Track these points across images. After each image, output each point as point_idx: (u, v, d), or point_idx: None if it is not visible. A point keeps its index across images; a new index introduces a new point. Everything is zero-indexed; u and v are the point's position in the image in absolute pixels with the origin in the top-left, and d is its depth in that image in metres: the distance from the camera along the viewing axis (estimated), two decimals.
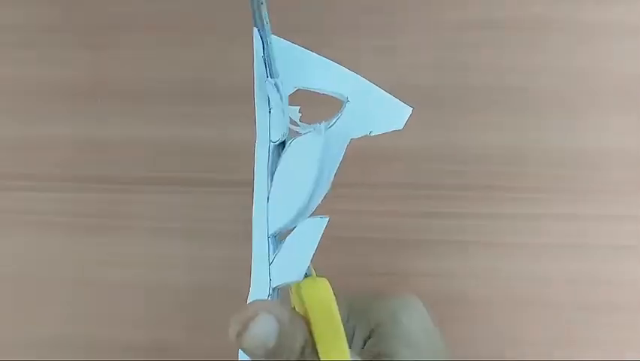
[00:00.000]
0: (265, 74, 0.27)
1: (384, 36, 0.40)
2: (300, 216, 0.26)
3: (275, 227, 0.26)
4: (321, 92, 0.28)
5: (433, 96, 0.40)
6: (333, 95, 0.28)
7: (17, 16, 0.42)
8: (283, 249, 0.26)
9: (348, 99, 0.27)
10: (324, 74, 0.28)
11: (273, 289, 0.26)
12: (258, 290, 0.26)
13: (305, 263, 0.26)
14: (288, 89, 0.27)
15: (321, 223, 0.26)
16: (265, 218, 0.26)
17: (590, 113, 0.39)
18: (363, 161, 0.39)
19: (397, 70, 0.40)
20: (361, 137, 0.28)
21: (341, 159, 0.27)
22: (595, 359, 0.37)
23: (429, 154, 0.39)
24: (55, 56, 0.41)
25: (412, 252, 0.39)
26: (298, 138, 0.27)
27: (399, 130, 0.36)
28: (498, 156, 0.39)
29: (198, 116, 0.41)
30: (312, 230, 0.26)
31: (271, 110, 0.26)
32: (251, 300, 0.26)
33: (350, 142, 0.29)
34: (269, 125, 0.26)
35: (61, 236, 0.40)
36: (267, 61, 0.27)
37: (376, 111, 0.28)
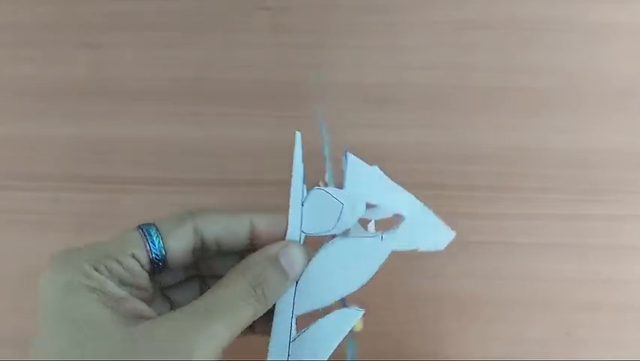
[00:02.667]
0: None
1: (384, 36, 0.40)
2: (325, 306, 0.28)
3: (300, 310, 0.28)
4: (383, 209, 0.30)
5: (433, 96, 0.40)
6: (394, 211, 0.30)
7: (17, 16, 0.42)
8: (311, 330, 0.28)
9: (405, 217, 0.30)
10: (386, 192, 0.30)
11: None
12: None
13: (330, 348, 0.28)
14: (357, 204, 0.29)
15: (354, 315, 0.28)
16: (291, 303, 0.28)
17: (590, 113, 0.39)
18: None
19: (397, 70, 0.40)
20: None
21: (377, 270, 0.29)
22: (595, 359, 0.37)
23: (429, 154, 0.39)
24: (55, 56, 0.41)
25: (413, 252, 0.39)
26: (349, 239, 0.28)
27: (400, 130, 0.36)
28: (498, 156, 0.39)
29: (198, 116, 0.41)
30: (345, 320, 0.28)
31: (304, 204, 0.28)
32: None
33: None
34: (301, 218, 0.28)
35: (61, 236, 0.40)
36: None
37: (425, 231, 0.31)
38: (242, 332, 0.29)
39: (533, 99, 0.40)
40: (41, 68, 0.41)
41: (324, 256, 0.28)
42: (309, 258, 0.28)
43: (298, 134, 0.29)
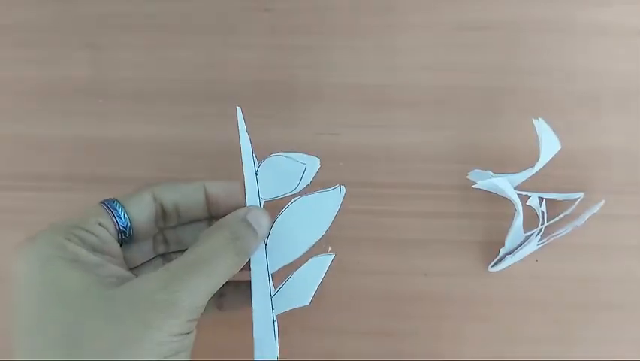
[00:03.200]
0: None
1: (383, 37, 0.40)
2: (295, 259, 0.31)
3: (274, 267, 0.31)
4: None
5: (433, 96, 0.40)
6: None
7: (17, 17, 0.42)
8: (290, 282, 0.30)
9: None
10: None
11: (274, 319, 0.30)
12: (262, 321, 0.30)
13: (311, 292, 0.30)
14: None
15: (327, 260, 0.31)
16: (265, 263, 0.31)
17: (590, 113, 0.39)
18: (362, 161, 0.40)
19: (397, 70, 0.40)
20: None
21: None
22: (595, 359, 0.37)
23: (429, 154, 0.39)
24: (55, 56, 0.41)
25: (412, 252, 0.39)
26: (312, 195, 0.31)
27: (400, 130, 0.36)
28: (498, 156, 0.39)
29: (198, 116, 0.41)
30: (319, 266, 0.30)
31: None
32: (256, 332, 0.30)
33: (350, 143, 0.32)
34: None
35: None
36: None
37: None
38: (211, 311, 0.32)
39: (533, 99, 0.40)
40: (41, 68, 0.41)
41: (289, 214, 0.30)
42: (272, 219, 0.30)
43: (238, 109, 0.31)
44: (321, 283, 0.30)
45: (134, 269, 0.31)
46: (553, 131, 0.35)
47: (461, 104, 0.40)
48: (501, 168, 0.37)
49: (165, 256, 0.33)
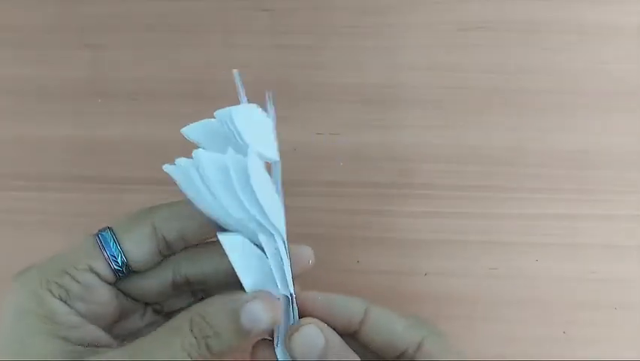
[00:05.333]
0: None
1: (383, 37, 0.40)
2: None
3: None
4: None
5: (433, 96, 0.40)
6: None
7: (17, 16, 0.42)
8: None
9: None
10: None
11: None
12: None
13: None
14: None
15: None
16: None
17: (590, 113, 0.39)
18: (362, 161, 0.40)
19: (397, 70, 0.40)
20: None
21: None
22: (594, 359, 0.37)
23: (429, 154, 0.39)
24: (55, 57, 0.41)
25: (412, 251, 0.39)
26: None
27: (401, 130, 0.36)
28: (498, 156, 0.39)
29: (198, 116, 0.41)
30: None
31: None
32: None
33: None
34: None
35: (62, 236, 0.40)
36: None
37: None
38: None
39: (533, 99, 0.40)
40: (41, 68, 0.41)
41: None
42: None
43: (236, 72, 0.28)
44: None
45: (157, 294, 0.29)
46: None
47: (461, 104, 0.40)
48: (501, 167, 0.37)
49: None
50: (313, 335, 0.25)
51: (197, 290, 0.30)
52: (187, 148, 0.41)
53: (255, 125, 0.27)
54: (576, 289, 0.38)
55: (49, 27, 0.42)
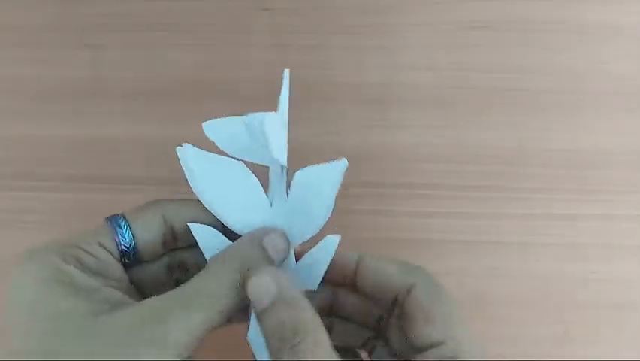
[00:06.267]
0: None
1: (384, 36, 0.40)
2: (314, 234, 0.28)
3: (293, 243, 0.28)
4: None
5: (433, 96, 0.40)
6: None
7: (17, 16, 0.42)
8: (301, 263, 0.28)
9: None
10: None
11: None
12: None
13: (320, 275, 0.28)
14: None
15: (334, 242, 0.28)
16: None
17: (590, 113, 0.39)
18: (362, 160, 0.40)
19: (397, 70, 0.40)
20: None
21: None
22: (595, 359, 0.37)
23: (429, 154, 0.39)
24: (55, 56, 0.41)
25: (412, 251, 0.39)
26: (307, 169, 0.28)
27: (401, 130, 0.36)
28: (498, 156, 0.39)
29: (198, 116, 0.41)
30: (327, 248, 0.28)
31: None
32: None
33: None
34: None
35: (61, 236, 0.40)
36: None
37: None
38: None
39: (533, 99, 0.40)
40: (41, 68, 0.41)
41: (292, 188, 0.28)
42: (290, 243, 0.28)
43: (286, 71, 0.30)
44: (329, 266, 0.29)
45: (149, 289, 0.29)
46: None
47: (461, 104, 0.40)
48: (501, 167, 0.37)
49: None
50: (267, 281, 0.25)
51: None
52: None
53: (276, 133, 0.28)
54: (576, 289, 0.38)
55: (49, 27, 0.41)
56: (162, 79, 0.41)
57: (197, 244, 0.28)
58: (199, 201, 0.28)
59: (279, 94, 0.29)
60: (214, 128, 0.29)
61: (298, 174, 0.28)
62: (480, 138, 0.39)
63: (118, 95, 0.41)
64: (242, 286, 0.25)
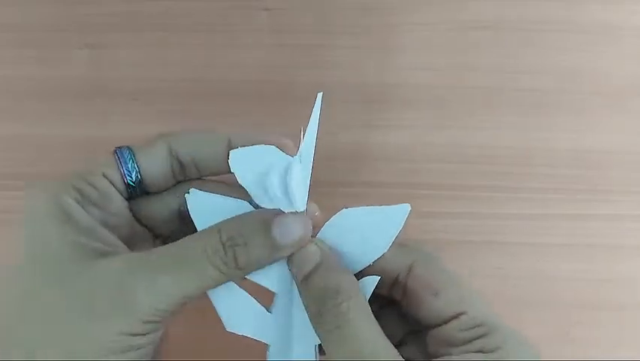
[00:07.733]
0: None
1: (384, 36, 0.40)
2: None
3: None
4: None
5: (433, 96, 0.40)
6: None
7: (17, 16, 0.42)
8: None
9: None
10: None
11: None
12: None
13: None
14: None
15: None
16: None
17: (590, 113, 0.39)
18: (362, 160, 0.40)
19: (397, 70, 0.40)
20: None
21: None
22: (596, 359, 0.37)
23: (429, 154, 0.39)
24: (55, 56, 0.41)
25: None
26: (357, 210, 0.26)
27: (400, 130, 0.36)
28: (498, 156, 0.39)
29: (198, 116, 0.41)
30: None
31: None
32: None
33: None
34: None
35: None
36: None
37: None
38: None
39: (533, 99, 0.40)
40: (41, 68, 0.41)
41: (334, 226, 0.26)
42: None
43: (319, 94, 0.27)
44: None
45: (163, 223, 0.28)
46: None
47: (461, 104, 0.40)
48: (501, 167, 0.37)
49: None
50: (312, 250, 0.25)
51: None
52: None
53: (299, 180, 0.26)
54: (582, 290, 0.38)
55: (49, 27, 0.41)
56: (162, 79, 0.41)
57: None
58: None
59: (306, 117, 0.28)
60: (239, 158, 0.26)
61: (346, 214, 0.26)
62: (480, 138, 0.39)
63: (118, 95, 0.41)
64: (227, 260, 0.23)
